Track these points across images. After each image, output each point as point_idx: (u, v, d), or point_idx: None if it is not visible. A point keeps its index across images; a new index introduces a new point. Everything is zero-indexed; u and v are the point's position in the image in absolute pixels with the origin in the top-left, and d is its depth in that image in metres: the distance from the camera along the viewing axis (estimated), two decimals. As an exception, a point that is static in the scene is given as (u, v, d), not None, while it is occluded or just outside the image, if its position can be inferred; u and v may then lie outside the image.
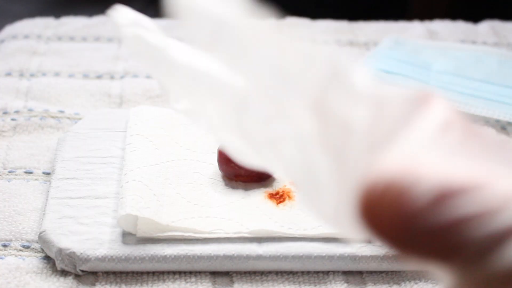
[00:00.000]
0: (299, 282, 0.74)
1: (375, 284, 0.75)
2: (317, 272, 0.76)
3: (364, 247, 0.75)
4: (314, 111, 0.30)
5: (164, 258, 0.73)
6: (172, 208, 0.78)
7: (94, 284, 0.73)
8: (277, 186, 0.82)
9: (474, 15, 1.49)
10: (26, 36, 1.21)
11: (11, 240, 0.78)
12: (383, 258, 0.75)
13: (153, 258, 0.73)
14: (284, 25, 1.28)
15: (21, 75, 1.10)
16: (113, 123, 0.92)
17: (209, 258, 0.74)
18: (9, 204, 0.82)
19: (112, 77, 1.10)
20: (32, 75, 1.10)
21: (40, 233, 0.76)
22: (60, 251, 0.73)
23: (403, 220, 0.25)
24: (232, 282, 0.74)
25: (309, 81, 0.30)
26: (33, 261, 0.75)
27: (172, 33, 1.29)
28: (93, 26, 1.25)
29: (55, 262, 0.75)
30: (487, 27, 1.30)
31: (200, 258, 0.74)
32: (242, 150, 0.35)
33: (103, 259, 0.73)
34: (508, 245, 0.23)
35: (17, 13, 1.82)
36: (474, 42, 1.25)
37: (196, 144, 0.88)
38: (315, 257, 0.74)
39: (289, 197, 0.80)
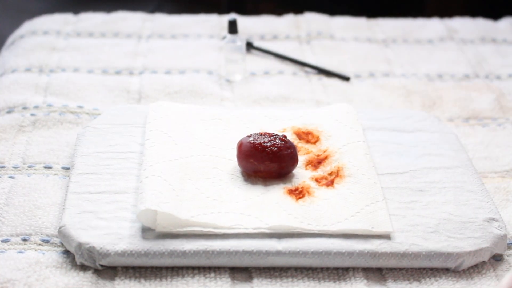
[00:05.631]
0: (319, 279, 0.74)
1: (395, 281, 0.74)
2: (336, 269, 0.75)
3: (384, 243, 0.75)
4: None
5: (184, 253, 0.73)
6: (191, 203, 0.78)
7: (113, 279, 0.73)
8: (296, 182, 0.82)
9: (493, 12, 1.49)
10: (45, 32, 1.22)
11: (31, 235, 0.78)
12: (403, 255, 0.74)
13: (172, 253, 0.73)
14: (302, 21, 1.28)
15: (41, 70, 1.10)
16: (132, 119, 0.93)
17: (229, 253, 0.74)
18: (28, 198, 0.82)
19: (131, 73, 1.11)
20: (51, 71, 1.10)
21: (60, 228, 0.76)
22: (79, 245, 0.74)
23: None
24: (251, 278, 0.74)
25: None
26: (52, 255, 0.76)
27: (185, 30, 1.28)
28: (112, 22, 1.26)
29: (74, 256, 0.75)
30: (508, 24, 1.29)
31: (220, 253, 0.73)
32: None
33: (122, 254, 0.73)
34: None
35: (36, 9, 1.83)
36: (494, 40, 1.24)
37: (216, 139, 0.88)
38: (335, 253, 0.74)
39: (309, 193, 0.80)
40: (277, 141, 0.82)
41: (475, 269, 0.76)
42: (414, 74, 1.13)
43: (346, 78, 1.11)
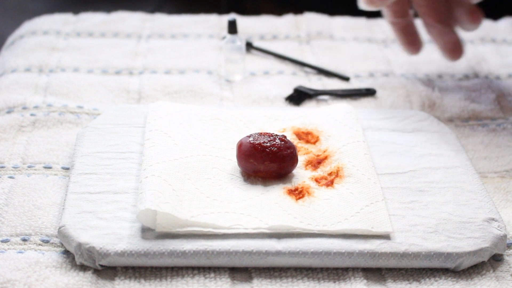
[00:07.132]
0: (318, 279, 0.74)
1: (394, 281, 0.74)
2: (336, 269, 0.75)
3: (383, 244, 0.75)
4: None
5: (183, 253, 0.73)
6: (191, 203, 0.78)
7: (113, 279, 0.73)
8: (296, 182, 0.82)
9: (493, 12, 1.49)
10: (45, 32, 1.22)
11: (30, 235, 0.78)
12: (403, 255, 0.74)
13: (172, 253, 0.73)
14: (302, 21, 1.28)
15: (40, 70, 1.10)
16: (132, 119, 0.93)
17: (228, 253, 0.74)
18: (28, 198, 0.82)
19: (130, 73, 1.11)
20: (51, 71, 1.10)
21: (60, 228, 0.76)
22: (79, 245, 0.74)
23: None
24: (251, 278, 0.74)
25: None
26: (52, 255, 0.76)
27: (185, 30, 1.28)
28: (111, 22, 1.26)
29: (74, 256, 0.75)
30: (507, 24, 1.29)
31: (219, 253, 0.73)
32: None
33: (122, 254, 0.73)
34: None
35: (36, 9, 1.83)
36: (494, 40, 1.24)
37: (215, 139, 0.88)
38: (334, 253, 0.74)
39: (308, 193, 0.80)
40: (277, 141, 0.82)
41: (475, 269, 0.76)
42: (414, 74, 1.13)
43: (346, 78, 1.11)
